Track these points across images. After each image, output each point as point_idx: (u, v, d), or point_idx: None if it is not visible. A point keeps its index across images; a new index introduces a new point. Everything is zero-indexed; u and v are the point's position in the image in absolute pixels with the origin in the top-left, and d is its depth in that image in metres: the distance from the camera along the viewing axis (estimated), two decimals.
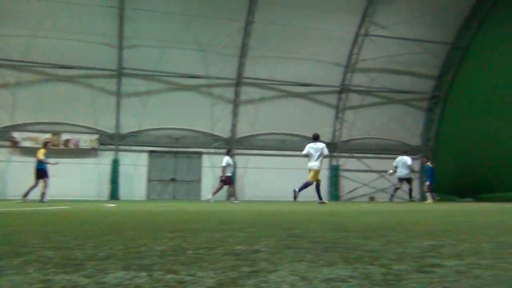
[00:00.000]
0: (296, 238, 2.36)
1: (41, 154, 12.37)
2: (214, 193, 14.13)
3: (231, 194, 14.77)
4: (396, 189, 14.98)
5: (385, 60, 19.27)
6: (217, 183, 15.03)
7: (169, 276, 1.28)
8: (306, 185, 10.68)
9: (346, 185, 20.22)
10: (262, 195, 18.34)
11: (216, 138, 18.99)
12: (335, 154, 20.09)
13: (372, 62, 19.39)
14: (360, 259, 1.62)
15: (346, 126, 20.17)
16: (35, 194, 12.32)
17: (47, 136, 16.81)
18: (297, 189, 10.53)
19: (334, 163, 20.10)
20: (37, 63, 16.95)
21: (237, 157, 18.82)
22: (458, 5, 18.61)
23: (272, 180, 18.66)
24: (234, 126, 18.90)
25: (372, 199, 19.98)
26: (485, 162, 16.32)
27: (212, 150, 18.94)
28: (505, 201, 13.98)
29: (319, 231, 2.76)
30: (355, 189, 20.08)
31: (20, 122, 17.44)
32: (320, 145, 10.78)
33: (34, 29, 16.33)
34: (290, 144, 19.49)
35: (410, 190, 14.63)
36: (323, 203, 10.58)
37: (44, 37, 16.44)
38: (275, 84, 19.01)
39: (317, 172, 10.79)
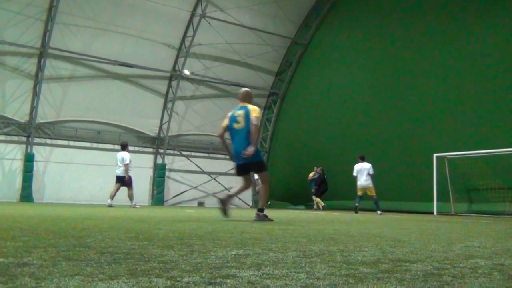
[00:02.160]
0: (83, 248, 2.30)
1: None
2: (112, 196, 13.16)
3: (131, 197, 13.75)
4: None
5: (223, 47, 20.00)
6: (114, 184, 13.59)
7: None
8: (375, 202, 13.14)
9: (172, 188, 20.35)
10: (66, 196, 17.36)
11: (7, 122, 17.25)
12: (161, 151, 20.11)
13: (208, 48, 19.93)
14: (149, 272, 1.66)
15: (176, 118, 20.32)
16: None
17: None
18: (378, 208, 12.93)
19: (159, 161, 20.06)
20: None
21: (36, 148, 17.45)
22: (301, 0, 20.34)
23: (80, 179, 17.83)
24: (34, 108, 17.41)
25: (201, 204, 20.53)
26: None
27: (2, 138, 17.16)
28: (335, 209, 15.82)
29: (116, 240, 2.73)
30: (182, 192, 20.37)
31: None
32: (367, 165, 13.20)
33: None
34: (106, 136, 18.81)
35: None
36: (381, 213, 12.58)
37: None
38: (90, 61, 18.10)
39: (364, 189, 13.22)
